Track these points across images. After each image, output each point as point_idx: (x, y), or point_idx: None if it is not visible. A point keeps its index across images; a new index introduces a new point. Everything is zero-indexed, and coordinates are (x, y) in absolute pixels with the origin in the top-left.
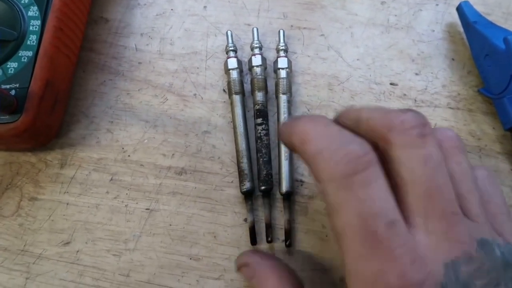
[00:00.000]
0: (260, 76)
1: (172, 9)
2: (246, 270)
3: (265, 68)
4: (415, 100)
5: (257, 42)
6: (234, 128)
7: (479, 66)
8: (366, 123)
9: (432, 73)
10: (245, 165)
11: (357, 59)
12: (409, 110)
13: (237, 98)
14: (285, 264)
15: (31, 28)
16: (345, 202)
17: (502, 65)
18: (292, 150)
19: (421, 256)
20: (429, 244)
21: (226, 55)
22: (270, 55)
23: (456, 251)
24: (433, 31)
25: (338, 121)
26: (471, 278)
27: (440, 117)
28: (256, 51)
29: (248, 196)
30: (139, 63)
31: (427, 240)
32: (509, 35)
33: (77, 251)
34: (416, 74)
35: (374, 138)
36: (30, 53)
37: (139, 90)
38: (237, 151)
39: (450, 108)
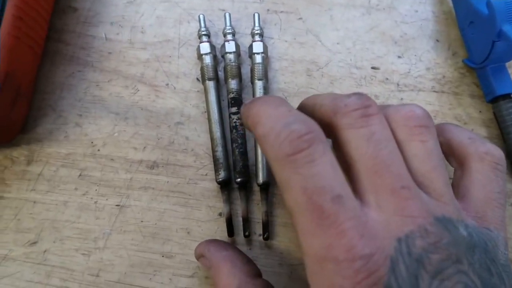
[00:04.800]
0: (233, 63)
1: None
2: (203, 261)
3: (239, 55)
4: (398, 84)
5: (230, 27)
6: (208, 115)
7: (464, 36)
8: (318, 109)
9: (415, 55)
10: (220, 153)
11: (337, 43)
12: (354, 94)
13: (210, 84)
14: (240, 253)
15: None
16: (291, 180)
17: (485, 31)
18: (250, 132)
19: (371, 231)
20: (381, 220)
21: (199, 40)
22: (246, 41)
23: (410, 225)
24: (417, 11)
25: (300, 108)
26: (426, 252)
27: (424, 101)
28: (229, 37)
29: (224, 186)
30: (109, 53)
31: (379, 217)
32: None
33: (45, 251)
34: (399, 57)
35: (325, 123)
36: None
37: (109, 81)
38: (212, 139)
39: (434, 91)
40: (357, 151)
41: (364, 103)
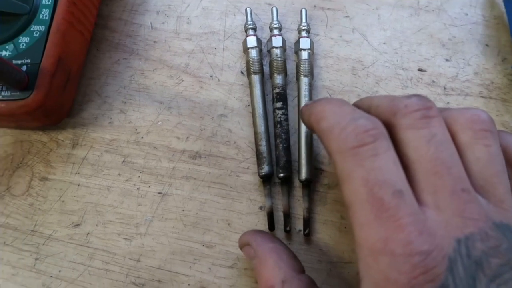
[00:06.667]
0: (280, 58)
1: None
2: (248, 250)
3: (285, 50)
4: (445, 88)
5: (277, 22)
6: (253, 109)
7: None
8: (375, 110)
9: (463, 59)
10: (263, 148)
11: (384, 43)
12: (414, 95)
13: (256, 78)
14: (285, 247)
15: (43, 1)
16: (353, 172)
17: None
18: (311, 130)
19: (430, 229)
20: (439, 220)
21: (245, 34)
22: (291, 37)
23: (470, 227)
24: (467, 14)
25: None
26: (486, 255)
27: (471, 106)
28: (276, 31)
29: (266, 180)
30: (155, 42)
31: (438, 216)
32: None
33: (88, 234)
34: (447, 60)
35: (383, 123)
36: (42, 28)
37: (154, 70)
38: (256, 133)
39: (482, 97)
40: (416, 152)
41: (425, 104)
